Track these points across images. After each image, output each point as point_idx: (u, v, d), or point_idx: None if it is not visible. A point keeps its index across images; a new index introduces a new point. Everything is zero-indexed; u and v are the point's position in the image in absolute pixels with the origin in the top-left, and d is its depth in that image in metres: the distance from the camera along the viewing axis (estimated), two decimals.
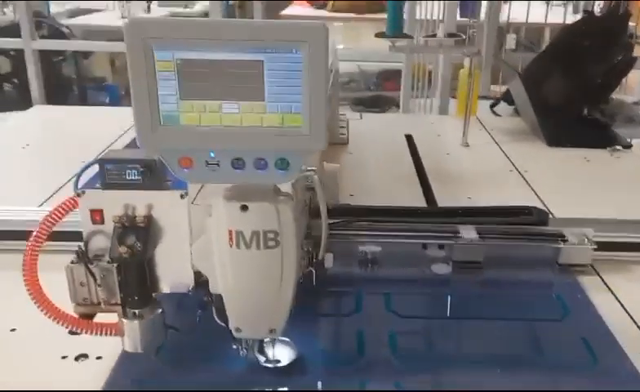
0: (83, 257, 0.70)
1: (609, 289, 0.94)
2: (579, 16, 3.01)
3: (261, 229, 0.62)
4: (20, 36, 2.09)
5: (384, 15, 1.47)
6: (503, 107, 2.10)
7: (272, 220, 0.62)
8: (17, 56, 2.89)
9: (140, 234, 0.69)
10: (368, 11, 4.03)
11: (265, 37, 0.54)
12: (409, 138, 1.58)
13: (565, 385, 0.78)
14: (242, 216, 0.62)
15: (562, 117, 1.62)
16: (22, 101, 2.75)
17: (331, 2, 4.16)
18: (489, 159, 1.48)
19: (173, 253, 0.71)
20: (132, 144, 0.65)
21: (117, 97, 3.51)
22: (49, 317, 0.70)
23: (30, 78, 2.16)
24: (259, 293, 0.66)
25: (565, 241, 0.97)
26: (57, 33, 3.10)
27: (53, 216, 0.69)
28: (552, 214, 1.09)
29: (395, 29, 1.43)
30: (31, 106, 2.05)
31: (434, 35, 1.52)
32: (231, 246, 0.63)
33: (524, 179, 1.33)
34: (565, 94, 1.67)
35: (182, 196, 0.69)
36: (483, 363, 0.80)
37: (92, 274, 0.70)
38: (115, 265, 0.69)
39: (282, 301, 0.67)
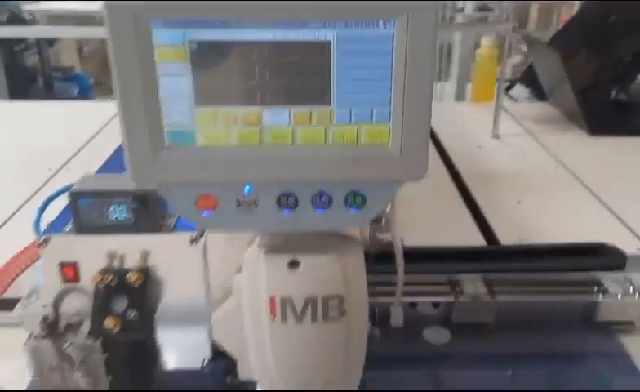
0: (51, 330, 0.49)
1: None
2: None
3: (320, 294, 0.42)
4: None
5: None
6: (518, 90, 1.92)
7: (336, 281, 0.42)
8: None
9: (133, 297, 0.48)
10: None
11: (335, 4, 0.34)
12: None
13: None
14: (291, 277, 0.41)
15: (600, 100, 1.44)
16: None
17: None
18: (527, 153, 1.28)
19: (181, 319, 0.50)
20: (118, 159, 0.42)
21: (88, 87, 3.23)
22: None
23: None
24: (313, 384, 0.46)
25: (604, 291, 0.72)
26: (18, 19, 2.81)
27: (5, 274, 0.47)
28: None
29: None
30: None
31: (461, 10, 1.31)
32: (274, 319, 0.42)
33: (575, 177, 1.14)
34: (598, 75, 1.50)
35: (193, 240, 0.49)
36: None
37: (66, 355, 0.49)
38: (99, 340, 0.48)
39: None
